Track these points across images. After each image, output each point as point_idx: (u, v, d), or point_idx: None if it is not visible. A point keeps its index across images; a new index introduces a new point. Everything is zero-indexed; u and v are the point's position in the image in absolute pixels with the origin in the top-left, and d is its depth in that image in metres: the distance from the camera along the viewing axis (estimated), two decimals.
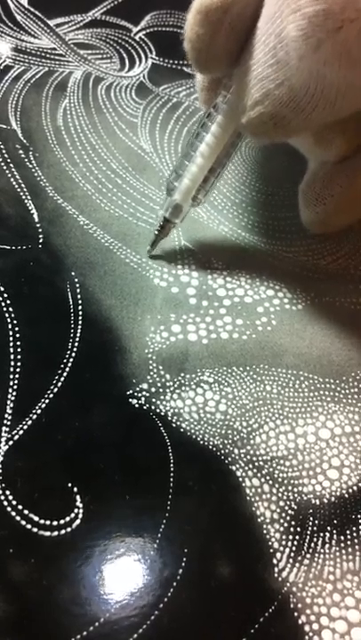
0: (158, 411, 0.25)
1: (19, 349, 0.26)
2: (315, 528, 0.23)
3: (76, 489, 0.23)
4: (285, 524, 0.23)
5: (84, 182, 0.32)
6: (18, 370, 0.25)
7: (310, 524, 0.23)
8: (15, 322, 0.26)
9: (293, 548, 0.23)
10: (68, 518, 0.22)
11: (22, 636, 0.20)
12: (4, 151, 0.33)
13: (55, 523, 0.22)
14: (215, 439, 0.25)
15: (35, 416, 0.24)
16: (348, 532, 0.23)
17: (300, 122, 0.23)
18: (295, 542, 0.23)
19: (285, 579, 0.22)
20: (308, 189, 0.30)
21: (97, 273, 0.29)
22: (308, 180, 0.30)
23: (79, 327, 0.27)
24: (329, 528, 0.23)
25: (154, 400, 0.25)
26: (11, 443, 0.23)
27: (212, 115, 0.26)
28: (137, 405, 0.25)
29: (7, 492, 0.22)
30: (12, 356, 0.25)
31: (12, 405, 0.24)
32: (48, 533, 0.22)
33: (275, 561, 0.22)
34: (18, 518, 0.22)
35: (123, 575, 0.21)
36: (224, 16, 0.22)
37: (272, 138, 0.28)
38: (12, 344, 0.26)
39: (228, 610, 0.21)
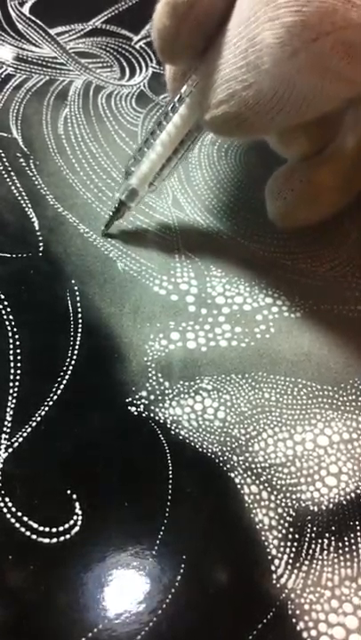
0: (157, 418, 0.25)
1: (18, 357, 0.26)
2: (313, 535, 0.23)
3: (75, 496, 0.23)
4: (284, 531, 0.23)
5: (85, 191, 0.32)
6: (18, 377, 0.25)
7: (308, 530, 0.23)
8: (15, 329, 0.26)
9: (292, 555, 0.23)
10: (67, 525, 0.22)
11: None
12: (4, 159, 0.33)
13: (54, 529, 0.22)
14: (214, 446, 0.25)
15: (34, 423, 0.24)
16: (346, 538, 0.23)
17: (262, 123, 0.24)
18: (293, 549, 0.23)
19: (284, 585, 0.22)
20: (272, 183, 0.31)
21: (97, 281, 0.29)
22: (275, 174, 0.31)
23: (79, 335, 0.27)
24: (327, 535, 0.23)
25: (153, 407, 0.25)
26: (10, 450, 0.23)
27: (175, 106, 0.27)
28: (136, 413, 0.25)
29: (6, 499, 0.22)
30: (11, 364, 0.25)
31: (11, 413, 0.24)
32: (47, 540, 0.22)
33: (273, 567, 0.22)
34: (17, 525, 0.22)
35: (121, 582, 0.21)
36: (190, 10, 0.23)
37: (234, 136, 0.31)
38: (11, 351, 0.26)
39: (227, 616, 0.21)
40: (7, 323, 0.27)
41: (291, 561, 0.22)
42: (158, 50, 0.25)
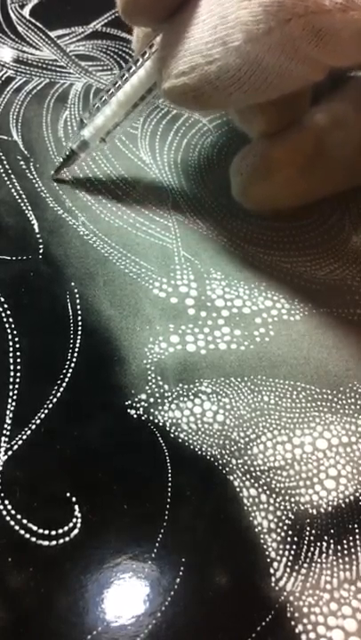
0: (157, 421, 0.25)
1: (18, 359, 0.26)
2: (312, 538, 0.23)
3: (74, 498, 0.23)
4: (283, 534, 0.23)
5: (84, 193, 0.32)
6: (17, 380, 0.25)
7: (307, 533, 0.23)
8: (15, 332, 0.26)
9: (290, 558, 0.23)
10: (66, 527, 0.22)
11: None
12: (5, 162, 0.33)
13: (54, 532, 0.22)
14: (213, 449, 0.25)
15: (34, 426, 0.24)
16: (344, 541, 0.23)
17: (219, 99, 0.24)
18: (292, 552, 0.23)
19: (282, 588, 0.22)
20: (233, 161, 0.32)
21: (96, 283, 0.29)
22: (238, 153, 0.32)
23: (78, 337, 0.27)
24: (326, 538, 0.23)
25: (152, 410, 0.25)
26: (10, 453, 0.23)
27: (133, 70, 0.28)
28: (135, 416, 0.25)
29: (6, 502, 0.22)
30: (11, 366, 0.25)
31: (11, 415, 0.24)
32: (47, 543, 0.22)
33: (272, 570, 0.22)
34: (17, 528, 0.22)
35: (120, 584, 0.21)
36: None
37: (189, 108, 0.32)
38: (11, 354, 0.26)
39: (226, 619, 0.21)
40: (7, 325, 0.27)
41: (290, 564, 0.22)
42: (119, 9, 0.25)
